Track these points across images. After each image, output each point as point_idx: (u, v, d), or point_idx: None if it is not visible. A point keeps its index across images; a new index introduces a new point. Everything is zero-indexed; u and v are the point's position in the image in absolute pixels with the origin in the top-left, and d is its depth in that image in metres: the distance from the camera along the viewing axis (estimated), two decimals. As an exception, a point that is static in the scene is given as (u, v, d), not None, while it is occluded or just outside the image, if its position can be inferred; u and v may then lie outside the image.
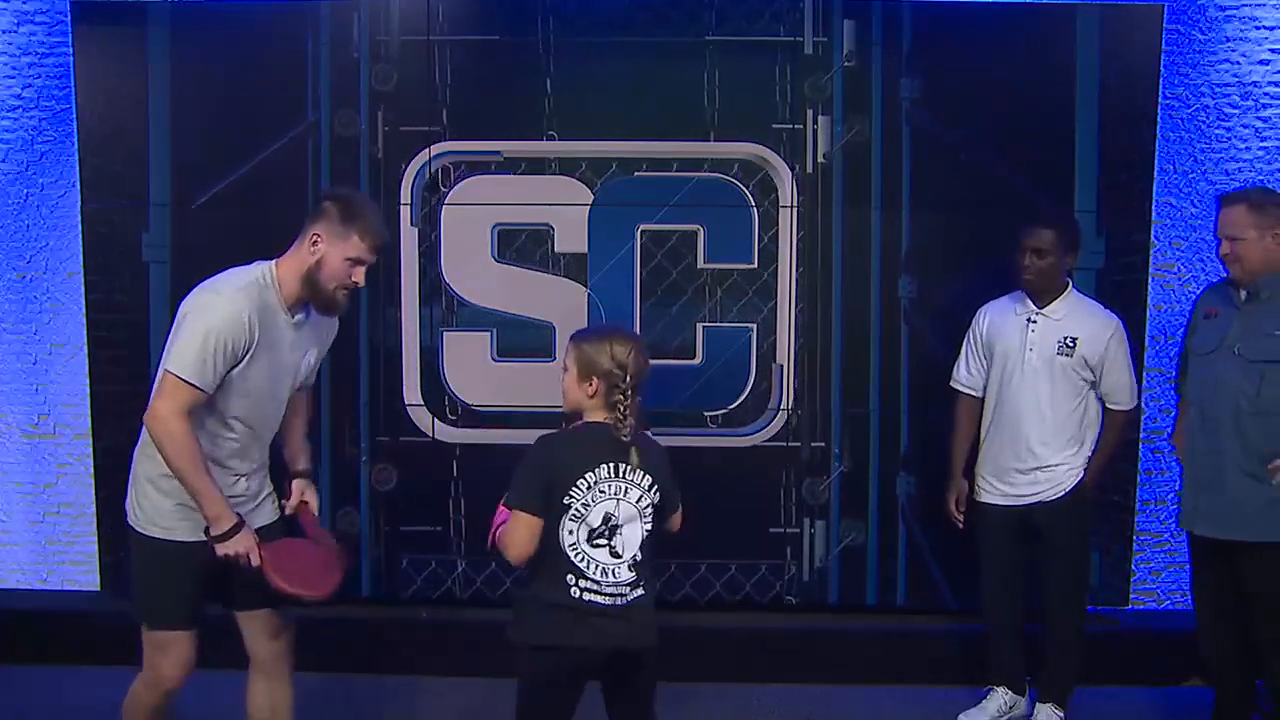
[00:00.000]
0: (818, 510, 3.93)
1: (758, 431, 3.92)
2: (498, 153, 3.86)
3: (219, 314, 2.49)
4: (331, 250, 2.59)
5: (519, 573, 2.55)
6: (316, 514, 2.85)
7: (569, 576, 2.43)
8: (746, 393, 3.91)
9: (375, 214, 2.66)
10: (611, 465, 2.44)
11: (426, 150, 3.85)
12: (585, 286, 3.88)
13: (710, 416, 3.92)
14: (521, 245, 3.88)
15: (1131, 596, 4.00)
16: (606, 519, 2.44)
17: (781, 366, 3.90)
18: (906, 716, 3.67)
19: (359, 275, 2.63)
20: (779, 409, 3.91)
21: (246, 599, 2.74)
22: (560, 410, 3.71)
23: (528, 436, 3.80)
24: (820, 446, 3.91)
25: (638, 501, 2.46)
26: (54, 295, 4.07)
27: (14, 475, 4.15)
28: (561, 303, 3.87)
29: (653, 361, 3.76)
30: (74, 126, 3.90)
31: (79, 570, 4.14)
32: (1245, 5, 3.92)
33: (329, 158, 3.86)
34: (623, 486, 2.45)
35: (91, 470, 3.97)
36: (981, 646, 3.62)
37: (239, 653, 3.14)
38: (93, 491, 3.98)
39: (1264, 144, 3.95)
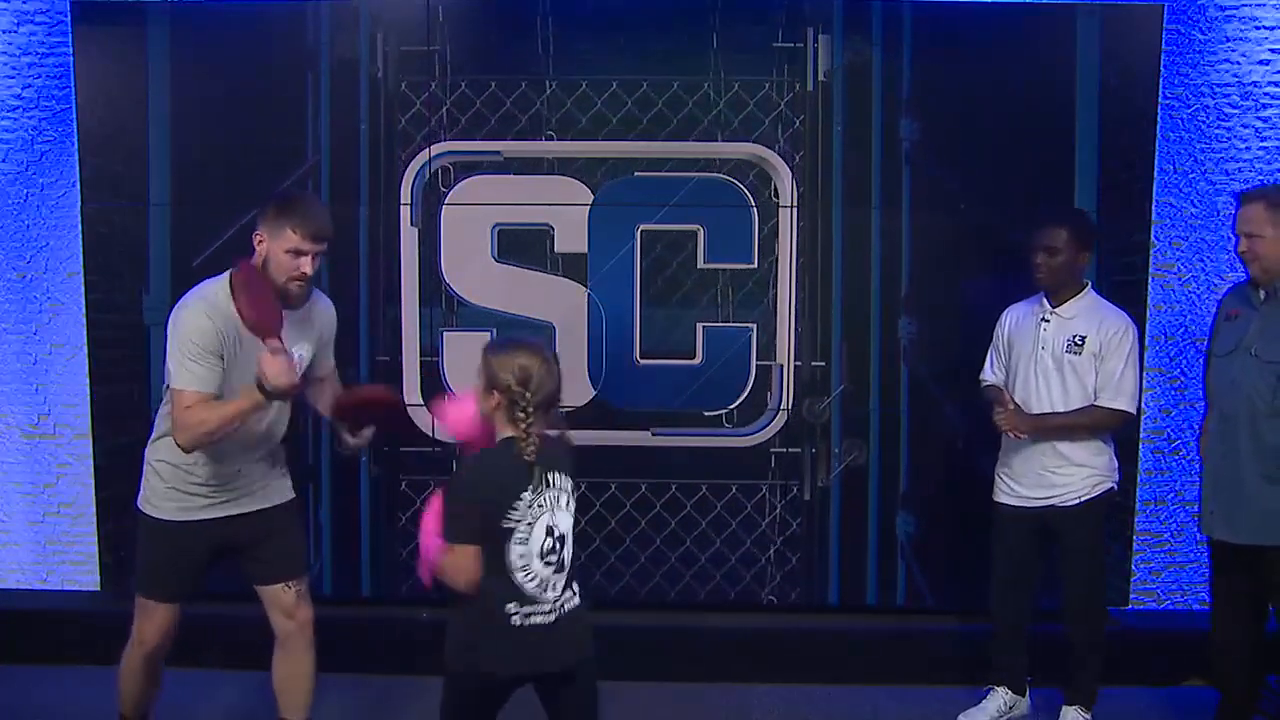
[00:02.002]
0: (817, 507, 3.94)
1: (758, 431, 3.92)
2: (498, 153, 3.86)
3: (189, 324, 2.73)
4: (273, 246, 2.76)
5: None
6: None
7: (510, 605, 2.37)
8: (746, 393, 3.91)
9: (312, 207, 2.81)
10: (529, 470, 2.39)
11: (426, 150, 3.85)
12: (585, 286, 3.88)
13: (710, 416, 3.92)
14: (521, 245, 3.88)
15: (1131, 596, 4.00)
16: (550, 531, 2.40)
17: (781, 366, 3.91)
18: (906, 716, 3.67)
19: (305, 265, 2.76)
20: (779, 409, 3.91)
21: (262, 574, 2.98)
22: (560, 408, 3.71)
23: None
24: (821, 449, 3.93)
25: (567, 505, 2.45)
26: (54, 295, 4.07)
27: (14, 475, 4.15)
28: (561, 303, 3.87)
29: (653, 361, 3.87)
30: (74, 126, 3.90)
31: (79, 570, 4.14)
32: (1245, 5, 3.92)
33: (329, 157, 3.86)
34: (555, 495, 2.42)
35: (91, 470, 3.98)
36: (982, 646, 3.62)
37: (236, 653, 3.16)
38: (93, 491, 3.98)
39: (1264, 144, 3.95)
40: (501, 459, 2.41)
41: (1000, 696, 3.53)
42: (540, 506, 2.40)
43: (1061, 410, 3.32)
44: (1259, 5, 3.91)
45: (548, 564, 2.40)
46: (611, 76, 3.82)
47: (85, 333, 3.92)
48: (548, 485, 2.41)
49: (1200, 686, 3.77)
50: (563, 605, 2.45)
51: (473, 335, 3.87)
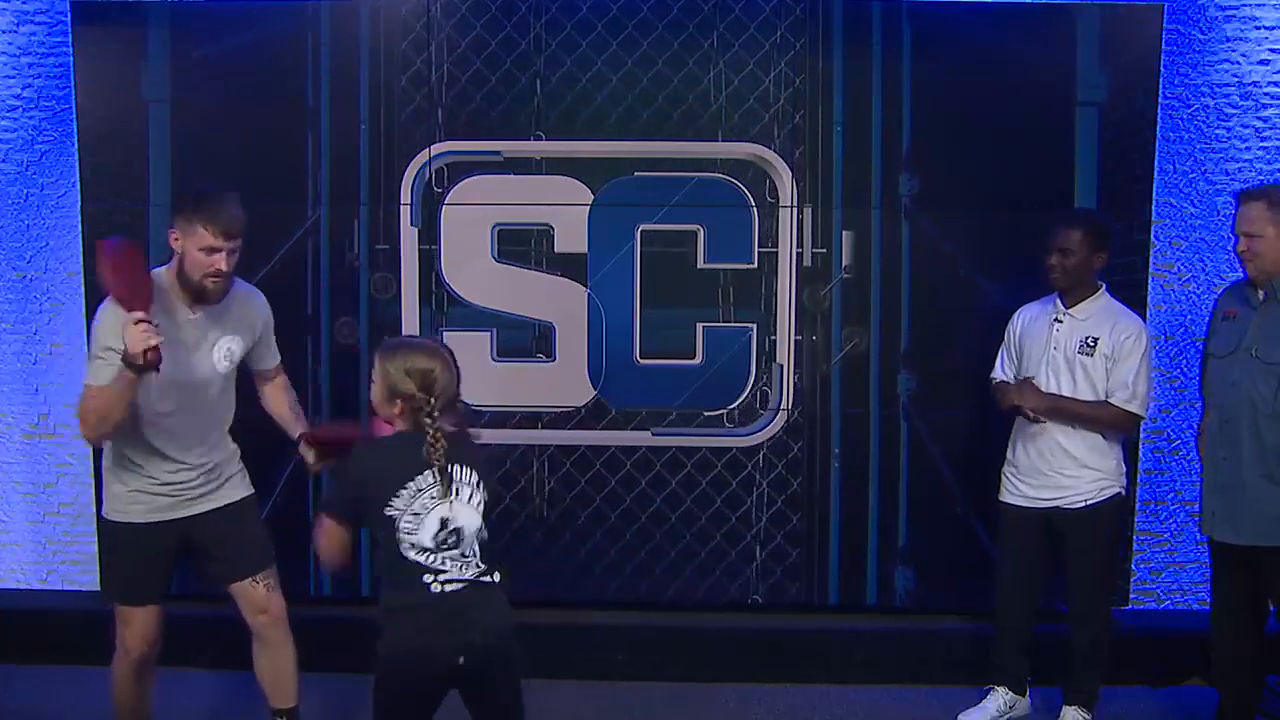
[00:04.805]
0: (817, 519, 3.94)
1: (758, 431, 3.92)
2: (497, 153, 3.86)
3: (105, 324, 2.77)
4: (187, 243, 2.80)
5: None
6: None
7: (425, 576, 2.39)
8: (746, 393, 3.91)
9: (223, 204, 2.80)
10: (436, 475, 2.39)
11: (426, 150, 3.85)
12: (585, 286, 3.88)
13: (710, 416, 3.92)
14: (521, 245, 3.87)
15: (1131, 596, 4.00)
16: (444, 523, 2.39)
17: (781, 366, 3.90)
18: (906, 716, 3.67)
19: (220, 261, 2.79)
20: (779, 409, 3.91)
21: (228, 572, 3.03)
22: (557, 409, 3.74)
23: (528, 436, 3.89)
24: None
25: (470, 499, 2.43)
26: (54, 295, 4.07)
27: (14, 475, 4.15)
28: (561, 303, 3.87)
29: (653, 361, 3.87)
30: (74, 126, 3.90)
31: (79, 570, 4.14)
32: (1245, 5, 3.92)
33: (329, 158, 3.86)
34: (454, 488, 2.41)
35: (91, 470, 3.97)
36: (982, 646, 3.62)
37: (233, 653, 3.17)
38: (93, 491, 3.98)
39: (1264, 144, 3.95)
40: (392, 450, 2.42)
41: (1000, 696, 3.53)
42: (432, 499, 2.38)
43: None
44: (1259, 5, 3.91)
45: (444, 550, 2.40)
46: (611, 74, 3.82)
47: (85, 333, 3.91)
48: (446, 479, 2.39)
49: (1200, 686, 3.77)
50: (481, 579, 2.44)
51: (473, 335, 3.87)
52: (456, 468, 2.42)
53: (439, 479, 2.38)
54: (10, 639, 3.93)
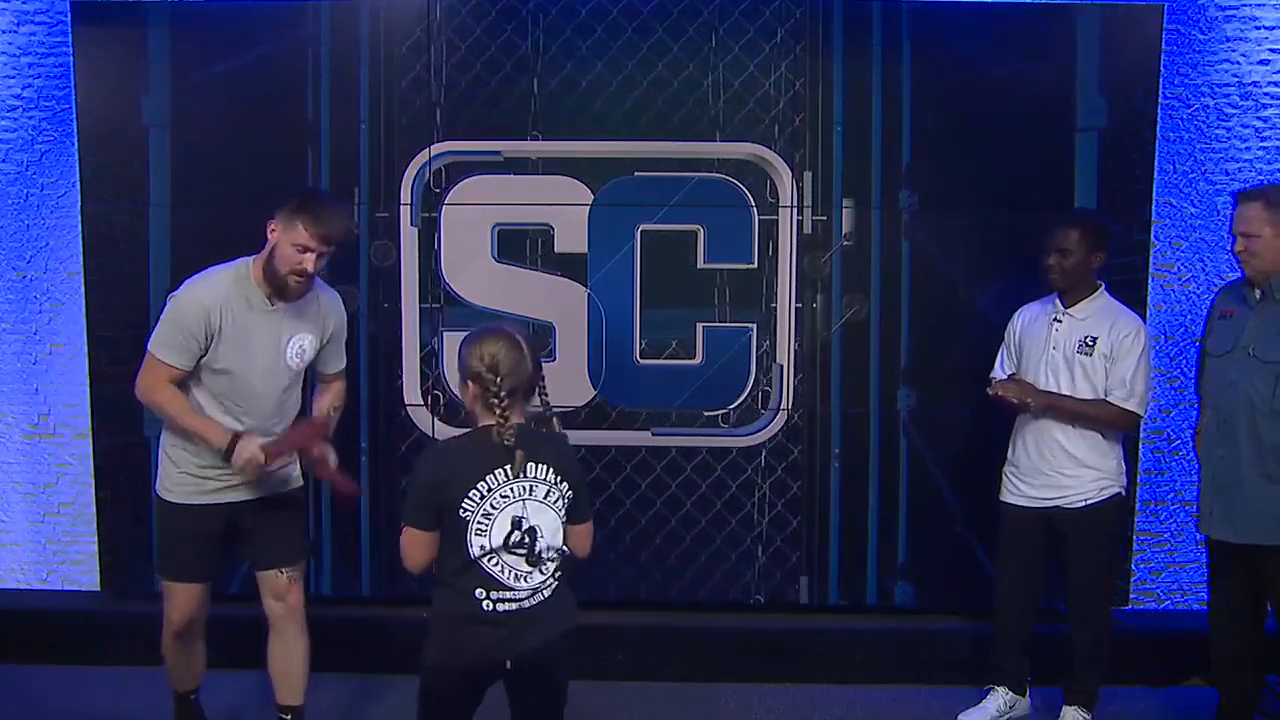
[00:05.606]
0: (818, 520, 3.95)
1: (758, 431, 3.92)
2: (497, 153, 3.86)
3: (184, 303, 2.87)
4: (283, 236, 2.85)
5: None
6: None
7: (478, 590, 2.36)
8: (746, 393, 3.91)
9: (328, 210, 2.88)
10: (508, 468, 2.36)
11: (426, 150, 3.85)
12: (585, 286, 3.88)
13: (710, 416, 3.92)
14: (521, 245, 3.87)
15: (1131, 596, 4.00)
16: (517, 523, 2.36)
17: (781, 366, 3.91)
18: (906, 716, 3.67)
19: (307, 262, 2.85)
20: (779, 409, 3.91)
21: (258, 557, 3.09)
22: (559, 408, 3.73)
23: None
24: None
25: (546, 497, 2.40)
26: (54, 295, 4.07)
27: (14, 475, 4.15)
28: (561, 303, 3.87)
29: (653, 361, 3.87)
30: (74, 126, 3.90)
31: (79, 570, 4.13)
32: (1245, 5, 3.92)
33: (329, 156, 3.86)
34: (526, 486, 2.38)
35: (91, 470, 3.97)
36: (982, 646, 3.62)
37: (238, 654, 3.16)
38: (93, 491, 3.98)
39: (1264, 144, 3.95)
40: (464, 447, 2.41)
41: (1000, 696, 3.53)
42: (505, 497, 2.36)
43: None
44: (1259, 5, 3.91)
45: (513, 553, 2.37)
46: (611, 75, 3.82)
47: (85, 333, 3.92)
48: (521, 475, 2.37)
49: (1200, 686, 3.77)
50: (539, 593, 2.41)
51: (473, 335, 3.86)
52: (532, 465, 2.38)
53: (512, 464, 2.34)
54: (10, 639, 3.92)
